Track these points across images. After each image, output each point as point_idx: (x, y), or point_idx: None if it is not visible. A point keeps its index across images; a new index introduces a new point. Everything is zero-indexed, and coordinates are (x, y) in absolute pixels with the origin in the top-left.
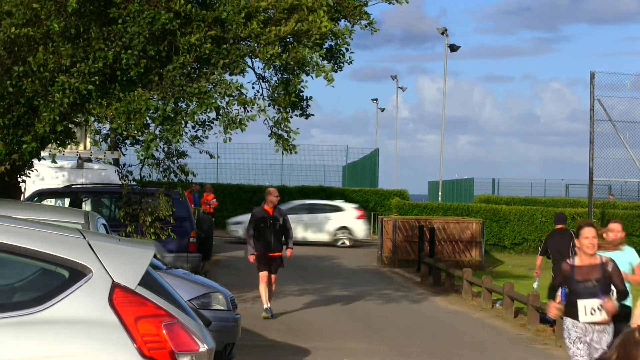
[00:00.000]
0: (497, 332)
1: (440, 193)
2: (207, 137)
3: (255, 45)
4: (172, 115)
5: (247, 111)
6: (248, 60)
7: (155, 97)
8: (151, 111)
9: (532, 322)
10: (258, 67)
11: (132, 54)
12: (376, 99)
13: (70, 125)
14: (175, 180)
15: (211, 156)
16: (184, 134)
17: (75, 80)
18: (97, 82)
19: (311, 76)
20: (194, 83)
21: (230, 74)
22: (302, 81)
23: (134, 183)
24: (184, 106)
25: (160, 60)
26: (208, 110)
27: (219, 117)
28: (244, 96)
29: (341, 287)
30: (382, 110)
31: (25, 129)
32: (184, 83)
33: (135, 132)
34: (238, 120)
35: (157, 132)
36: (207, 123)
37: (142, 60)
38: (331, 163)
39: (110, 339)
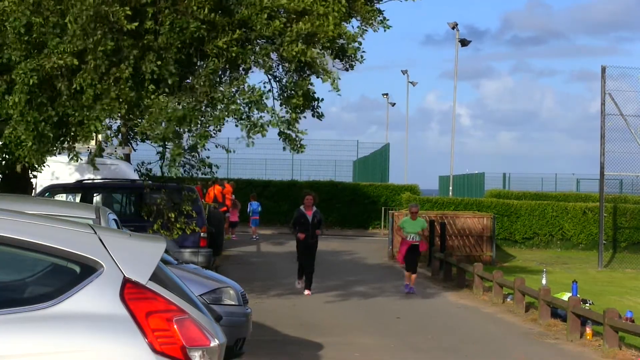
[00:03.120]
0: (508, 327)
1: (451, 188)
2: (220, 131)
3: (280, 44)
4: (199, 121)
5: (265, 116)
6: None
7: (182, 102)
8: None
9: (543, 316)
10: (280, 60)
11: (168, 62)
12: (387, 94)
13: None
14: (199, 174)
15: (227, 150)
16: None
17: (114, 88)
18: (132, 87)
19: (320, 78)
20: (219, 89)
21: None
22: (311, 83)
23: (151, 180)
24: (208, 109)
25: (189, 66)
26: (232, 115)
27: (242, 121)
28: (262, 103)
29: (353, 282)
30: (393, 105)
31: (61, 140)
32: (209, 89)
33: (164, 140)
34: (260, 124)
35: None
36: (234, 117)
37: (174, 66)
38: (342, 158)
39: (121, 334)
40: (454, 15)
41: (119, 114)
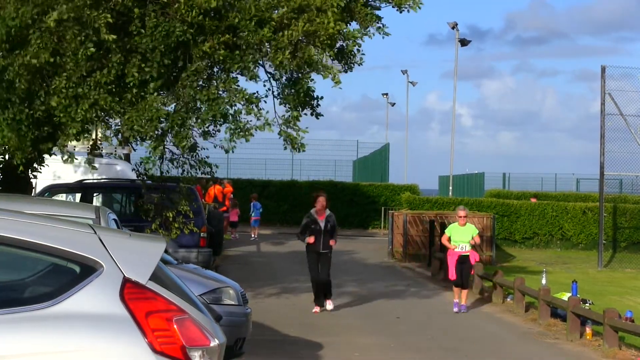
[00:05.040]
0: (508, 327)
1: (450, 188)
2: (219, 131)
3: (266, 53)
4: (180, 122)
5: (257, 118)
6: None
7: (166, 103)
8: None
9: (542, 316)
10: (269, 66)
11: (152, 67)
12: (386, 94)
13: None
14: (199, 174)
15: (226, 151)
16: (194, 131)
17: (94, 92)
18: (113, 90)
19: (321, 74)
20: (204, 90)
21: (242, 75)
22: (312, 80)
23: (150, 180)
24: (194, 109)
25: (176, 66)
26: (216, 116)
27: (227, 123)
28: (252, 106)
29: (352, 282)
30: (393, 104)
31: (45, 142)
32: (196, 90)
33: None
34: (245, 128)
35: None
36: (217, 119)
37: (161, 70)
38: (342, 158)
39: (121, 334)
40: (457, 16)
41: (102, 115)
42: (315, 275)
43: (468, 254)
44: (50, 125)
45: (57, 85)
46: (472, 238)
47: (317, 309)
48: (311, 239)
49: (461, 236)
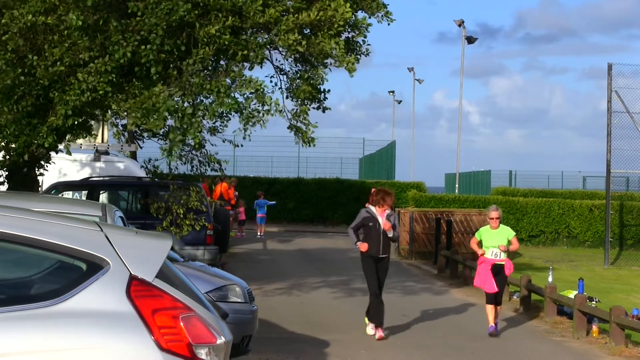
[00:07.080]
0: (514, 324)
1: (457, 185)
2: (226, 127)
3: (275, 33)
4: (191, 112)
5: (265, 107)
6: (266, 52)
7: (173, 94)
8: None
9: (549, 314)
10: (276, 60)
11: (151, 49)
12: (393, 91)
13: (88, 120)
14: (209, 170)
15: (235, 145)
16: (202, 127)
17: (93, 78)
18: (115, 80)
19: (329, 68)
20: (213, 80)
21: (250, 67)
22: (324, 73)
23: (159, 177)
24: (202, 100)
25: (179, 54)
26: (231, 107)
27: (239, 113)
28: (262, 93)
29: (358, 280)
30: (399, 102)
31: (42, 119)
32: (203, 80)
33: (154, 129)
34: (258, 116)
35: (175, 126)
36: (224, 115)
37: (160, 55)
38: (348, 155)
39: (127, 332)
40: (467, 13)
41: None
42: (376, 288)
43: (503, 263)
44: (36, 99)
45: (55, 55)
46: (509, 242)
47: (380, 332)
48: (364, 247)
49: (493, 240)
